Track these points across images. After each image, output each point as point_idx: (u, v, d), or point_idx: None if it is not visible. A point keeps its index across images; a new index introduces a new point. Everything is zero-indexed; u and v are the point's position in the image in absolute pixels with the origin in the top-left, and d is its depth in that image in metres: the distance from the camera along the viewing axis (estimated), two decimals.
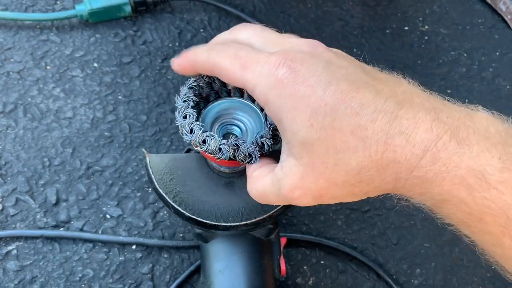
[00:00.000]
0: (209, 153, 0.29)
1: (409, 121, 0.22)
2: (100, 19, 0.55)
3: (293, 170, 0.26)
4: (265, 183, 0.28)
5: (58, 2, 0.56)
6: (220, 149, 0.29)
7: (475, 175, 0.21)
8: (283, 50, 0.26)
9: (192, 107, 0.30)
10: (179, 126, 0.29)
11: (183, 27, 0.57)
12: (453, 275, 0.47)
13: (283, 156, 0.27)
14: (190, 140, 0.29)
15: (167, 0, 0.57)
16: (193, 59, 0.29)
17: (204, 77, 0.31)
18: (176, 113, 0.30)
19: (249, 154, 0.29)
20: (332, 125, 0.23)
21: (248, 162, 0.30)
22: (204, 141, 0.29)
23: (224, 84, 0.31)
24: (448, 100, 0.24)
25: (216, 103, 0.32)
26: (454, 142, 0.22)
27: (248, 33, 0.28)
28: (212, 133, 0.29)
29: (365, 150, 0.23)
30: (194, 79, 0.31)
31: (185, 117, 0.29)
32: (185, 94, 0.30)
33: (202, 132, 0.29)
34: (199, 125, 0.29)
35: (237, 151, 0.29)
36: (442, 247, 0.48)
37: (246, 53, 0.26)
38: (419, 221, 0.50)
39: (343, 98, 0.23)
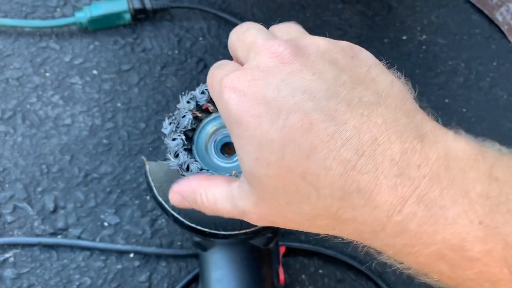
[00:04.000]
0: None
1: (369, 176, 0.18)
2: (99, 27, 0.56)
3: (248, 196, 0.23)
4: (219, 194, 0.25)
5: (58, 10, 0.56)
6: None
7: (454, 250, 0.18)
8: (245, 65, 0.23)
9: (184, 129, 0.30)
10: (171, 156, 0.30)
11: (183, 35, 0.58)
12: None
13: (242, 176, 0.24)
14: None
15: (167, 8, 0.58)
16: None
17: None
18: (167, 154, 0.30)
19: None
20: (280, 164, 0.20)
21: None
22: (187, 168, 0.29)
23: None
24: (431, 120, 0.21)
25: (210, 118, 0.32)
26: (423, 207, 0.18)
27: (233, 37, 0.26)
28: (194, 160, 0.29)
29: (319, 200, 0.20)
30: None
31: (176, 155, 0.29)
32: (177, 126, 0.30)
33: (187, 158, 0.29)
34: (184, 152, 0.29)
35: None
36: None
37: (217, 72, 0.24)
38: None
39: (292, 135, 0.19)
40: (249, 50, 0.23)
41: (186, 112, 0.31)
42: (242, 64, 0.25)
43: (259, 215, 0.23)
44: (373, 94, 0.20)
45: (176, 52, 0.56)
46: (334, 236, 0.23)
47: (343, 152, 0.19)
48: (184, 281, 0.43)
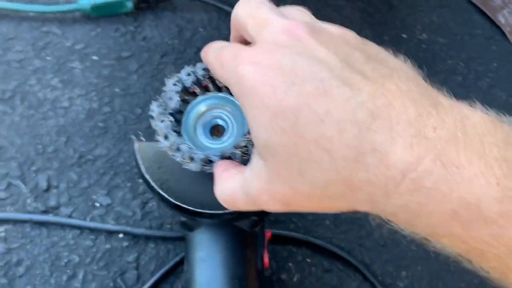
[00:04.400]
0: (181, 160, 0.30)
1: (384, 136, 0.18)
2: (102, 14, 0.57)
3: (260, 172, 0.23)
4: (234, 185, 0.25)
5: None
6: (192, 158, 0.29)
7: (469, 209, 0.17)
8: (257, 42, 0.24)
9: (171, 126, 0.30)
10: (161, 138, 0.30)
11: (183, 25, 0.58)
12: (439, 280, 0.47)
13: (252, 156, 0.24)
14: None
15: None
16: (203, 57, 0.29)
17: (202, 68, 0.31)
18: (156, 136, 0.30)
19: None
20: (294, 130, 0.20)
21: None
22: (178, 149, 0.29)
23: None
24: (445, 95, 0.21)
25: (203, 98, 0.33)
26: (439, 165, 0.18)
27: (244, 10, 0.26)
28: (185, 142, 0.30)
29: (332, 164, 0.20)
30: (193, 68, 0.31)
31: (166, 136, 0.30)
32: (164, 109, 0.31)
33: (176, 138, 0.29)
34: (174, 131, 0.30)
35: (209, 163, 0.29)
36: (429, 251, 0.48)
37: (227, 51, 0.25)
38: None
39: (307, 101, 0.20)
40: (263, 27, 0.24)
41: (173, 95, 0.31)
42: (247, 41, 0.26)
43: (272, 194, 0.23)
44: (386, 68, 0.21)
45: (176, 41, 0.57)
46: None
47: (358, 114, 0.19)
48: (172, 263, 0.43)
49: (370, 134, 0.19)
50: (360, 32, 0.27)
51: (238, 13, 0.26)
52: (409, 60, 0.23)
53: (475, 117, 0.19)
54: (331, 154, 0.19)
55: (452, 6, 0.65)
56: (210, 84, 0.32)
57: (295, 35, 0.22)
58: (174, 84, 0.31)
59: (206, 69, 0.31)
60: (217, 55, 0.26)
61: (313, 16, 0.26)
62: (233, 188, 0.25)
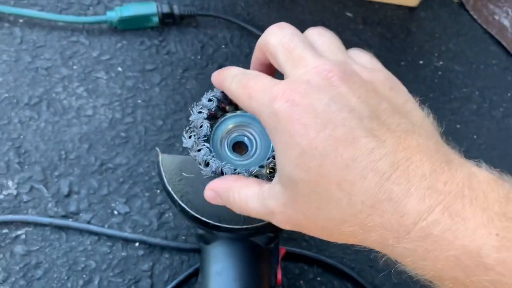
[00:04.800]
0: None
1: (401, 187, 0.20)
2: (128, 27, 0.58)
3: (278, 196, 0.25)
4: (251, 194, 0.27)
5: (91, 8, 0.59)
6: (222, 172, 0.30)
7: (471, 257, 0.19)
8: (291, 79, 0.25)
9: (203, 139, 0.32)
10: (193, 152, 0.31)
11: (206, 41, 0.60)
12: None
13: (275, 178, 0.26)
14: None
15: (194, 15, 0.60)
16: (219, 82, 0.30)
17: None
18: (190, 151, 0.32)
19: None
20: (319, 170, 0.22)
21: None
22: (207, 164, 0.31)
23: None
24: (456, 152, 0.23)
25: (231, 115, 0.34)
26: (447, 216, 0.20)
27: (276, 39, 0.27)
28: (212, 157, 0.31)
29: (350, 206, 0.21)
30: (213, 92, 0.33)
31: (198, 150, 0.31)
32: (196, 123, 0.32)
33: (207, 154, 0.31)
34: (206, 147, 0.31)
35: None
36: None
37: (255, 82, 0.26)
38: None
39: (336, 145, 0.21)
40: (296, 64, 0.25)
41: (202, 122, 0.32)
42: (268, 66, 0.27)
43: (286, 216, 0.25)
44: (409, 123, 0.23)
45: (199, 57, 0.59)
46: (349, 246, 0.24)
47: (380, 165, 0.21)
48: (185, 273, 0.44)
49: (389, 184, 0.20)
50: (378, 57, 0.28)
51: (270, 41, 0.27)
52: (431, 114, 0.25)
53: (481, 175, 0.21)
54: (351, 197, 0.21)
55: (469, 35, 0.66)
56: (228, 106, 0.34)
57: (328, 79, 0.23)
58: (200, 112, 0.32)
59: (223, 92, 0.32)
60: (243, 85, 0.27)
61: (343, 47, 0.27)
62: (249, 195, 0.27)
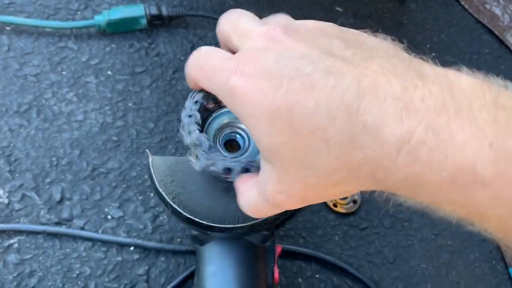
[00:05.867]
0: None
1: (373, 116, 0.19)
2: (117, 30, 0.58)
3: (270, 175, 0.24)
4: (253, 194, 0.26)
5: (78, 13, 0.59)
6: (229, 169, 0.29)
7: (465, 173, 0.18)
8: (241, 51, 0.24)
9: (196, 122, 0.30)
10: (185, 133, 0.30)
11: (196, 42, 0.59)
12: None
13: (261, 162, 0.25)
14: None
15: (182, 15, 0.60)
16: (186, 74, 0.29)
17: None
18: (181, 130, 0.30)
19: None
20: (290, 128, 0.21)
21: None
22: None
23: None
24: (428, 61, 0.21)
25: (221, 112, 0.33)
26: (431, 134, 0.18)
27: (226, 25, 0.27)
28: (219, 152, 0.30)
29: (330, 152, 0.20)
30: (199, 92, 0.32)
31: (189, 132, 0.30)
32: (190, 109, 0.31)
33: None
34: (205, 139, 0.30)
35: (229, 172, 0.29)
36: (439, 269, 0.48)
37: (208, 62, 0.25)
38: (417, 241, 0.50)
39: (296, 98, 0.21)
40: (243, 36, 0.25)
41: (191, 124, 0.31)
42: (234, 52, 0.27)
43: (285, 193, 0.24)
44: (365, 50, 0.21)
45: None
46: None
47: (345, 99, 0.19)
48: (182, 276, 0.44)
49: (359, 115, 0.19)
50: None
51: (222, 27, 0.27)
52: (388, 37, 0.23)
53: (462, 82, 0.19)
54: (328, 142, 0.20)
55: (461, 25, 0.66)
56: (212, 104, 0.33)
57: (273, 38, 0.23)
58: (189, 116, 0.31)
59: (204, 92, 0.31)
60: (199, 66, 0.26)
61: (291, 18, 0.26)
62: (253, 197, 0.26)
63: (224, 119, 0.34)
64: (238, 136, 0.34)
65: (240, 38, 0.25)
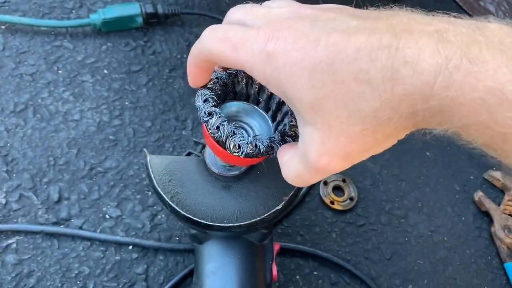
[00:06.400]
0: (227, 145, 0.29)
1: (412, 50, 0.21)
2: (112, 29, 0.58)
3: (312, 138, 0.25)
4: (295, 164, 0.27)
5: (73, 11, 0.59)
6: (239, 146, 0.29)
7: (495, 95, 0.20)
8: (269, 22, 0.25)
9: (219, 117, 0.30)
10: (201, 115, 0.29)
11: (192, 40, 0.59)
12: None
13: (300, 129, 0.26)
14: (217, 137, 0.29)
15: (178, 14, 0.60)
16: (191, 61, 0.29)
17: (219, 81, 0.31)
18: (200, 110, 0.30)
19: (270, 146, 0.29)
20: (333, 79, 0.22)
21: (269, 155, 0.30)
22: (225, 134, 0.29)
23: (234, 87, 0.32)
24: (455, 17, 0.23)
25: (226, 104, 0.33)
26: (466, 61, 0.20)
27: (239, 13, 0.28)
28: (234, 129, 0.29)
29: (373, 92, 0.22)
30: (209, 84, 0.31)
31: (210, 113, 0.29)
32: (205, 95, 0.30)
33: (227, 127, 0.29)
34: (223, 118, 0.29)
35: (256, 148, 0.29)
36: (436, 265, 0.49)
37: (234, 33, 0.26)
38: (413, 238, 0.50)
39: (337, 49, 0.22)
40: (264, 18, 0.26)
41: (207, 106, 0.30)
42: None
43: (329, 152, 0.24)
44: (389, 11, 0.24)
45: (185, 56, 0.58)
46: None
47: (384, 41, 0.21)
48: (180, 274, 0.44)
49: (399, 52, 0.21)
50: None
51: (236, 14, 0.28)
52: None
53: (491, 25, 0.21)
54: (371, 82, 0.22)
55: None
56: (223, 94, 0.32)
57: (300, 12, 0.25)
58: (205, 101, 0.31)
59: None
60: (221, 39, 0.26)
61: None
62: (295, 167, 0.27)
63: (229, 111, 0.33)
64: (243, 130, 0.33)
65: (259, 20, 0.26)
